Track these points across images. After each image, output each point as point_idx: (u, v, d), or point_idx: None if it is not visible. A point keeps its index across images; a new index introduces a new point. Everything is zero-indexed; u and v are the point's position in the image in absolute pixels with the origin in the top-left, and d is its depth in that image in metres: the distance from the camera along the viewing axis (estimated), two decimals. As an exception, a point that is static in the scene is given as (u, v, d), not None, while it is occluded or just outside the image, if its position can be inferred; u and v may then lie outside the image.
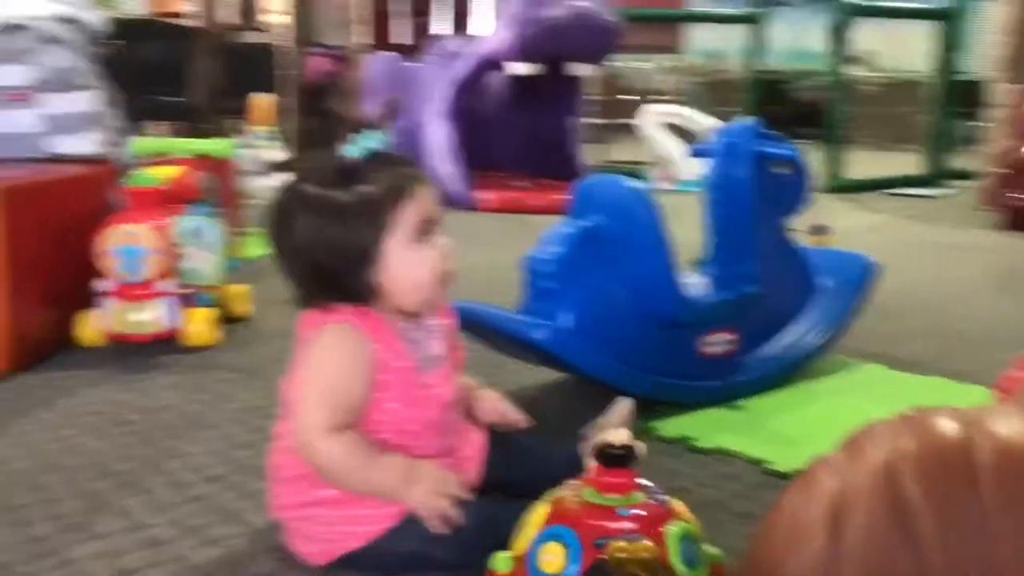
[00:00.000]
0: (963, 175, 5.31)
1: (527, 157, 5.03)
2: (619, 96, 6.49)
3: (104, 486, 1.26)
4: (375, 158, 1.02)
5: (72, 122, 2.00)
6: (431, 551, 1.01)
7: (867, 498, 0.73)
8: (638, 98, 6.36)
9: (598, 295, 1.54)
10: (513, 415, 1.21)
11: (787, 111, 10.05)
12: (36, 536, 1.11)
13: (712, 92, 7.20)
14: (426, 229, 1.02)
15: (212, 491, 1.25)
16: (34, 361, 1.77)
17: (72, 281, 1.87)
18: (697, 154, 1.84)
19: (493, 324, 1.49)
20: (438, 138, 4.60)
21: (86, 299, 1.85)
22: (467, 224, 3.93)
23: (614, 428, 1.01)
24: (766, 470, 1.34)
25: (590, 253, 1.55)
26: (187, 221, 1.91)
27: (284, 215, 1.01)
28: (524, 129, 5.03)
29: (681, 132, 5.21)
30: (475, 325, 1.54)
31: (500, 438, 1.19)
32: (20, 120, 1.96)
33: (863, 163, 5.79)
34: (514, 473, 1.15)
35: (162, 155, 2.12)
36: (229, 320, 2.09)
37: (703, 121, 5.44)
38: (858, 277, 1.86)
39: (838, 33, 5.26)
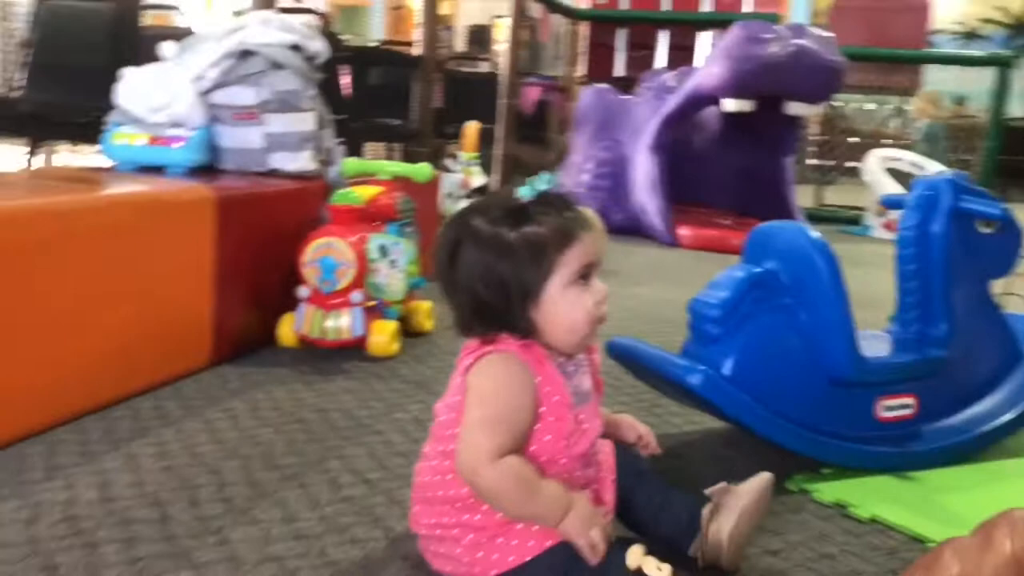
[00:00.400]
0: None
1: (737, 195, 4.93)
2: (843, 137, 6.20)
3: (270, 477, 1.37)
4: (544, 199, 1.06)
5: (290, 141, 2.19)
6: None
7: (992, 592, 0.67)
8: (863, 140, 6.05)
9: (764, 345, 1.49)
10: (650, 439, 1.24)
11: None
12: (205, 515, 1.23)
13: (950, 139, 6.74)
14: (587, 272, 1.05)
15: (363, 493, 1.32)
16: (235, 355, 1.95)
17: (277, 286, 2.05)
18: (889, 205, 1.74)
19: (650, 363, 1.48)
20: (644, 172, 4.60)
21: (289, 304, 2.02)
22: (664, 259, 3.92)
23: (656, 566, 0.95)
24: (927, 549, 1.24)
25: (760, 300, 1.51)
26: (380, 238, 2.03)
27: (452, 247, 1.05)
28: (736, 167, 4.94)
29: (908, 179, 4.92)
30: (634, 362, 1.55)
31: (633, 466, 1.18)
32: (248, 137, 2.17)
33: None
34: (635, 502, 1.15)
35: (367, 175, 2.26)
36: (411, 334, 2.21)
37: (933, 168, 5.11)
38: (1069, 349, 1.68)
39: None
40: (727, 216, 4.76)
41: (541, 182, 1.07)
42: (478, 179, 3.42)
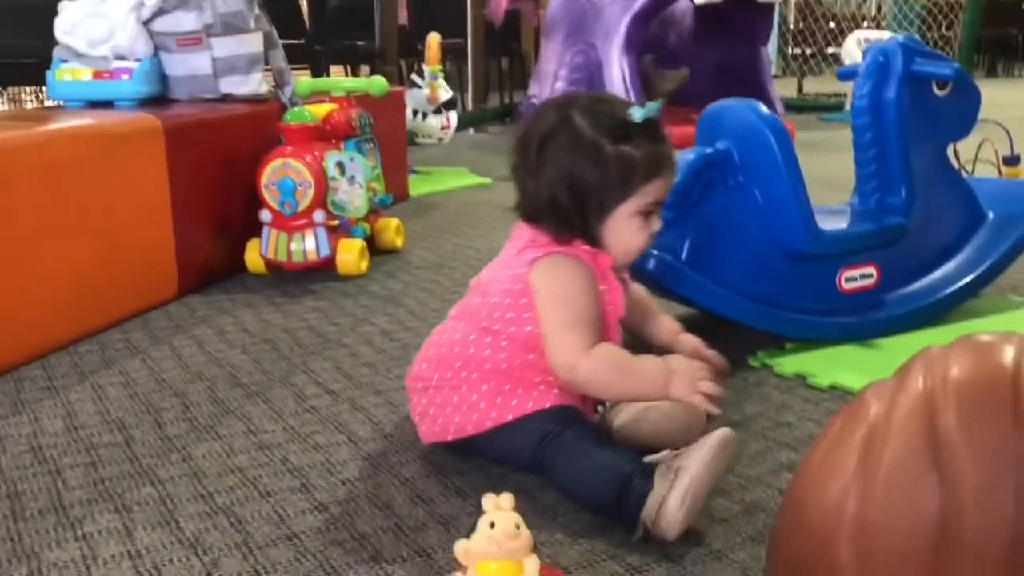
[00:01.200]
0: None
1: (715, 90, 4.79)
2: (821, 23, 6.07)
3: (235, 395, 1.38)
4: (647, 125, 1.08)
5: (239, 64, 2.14)
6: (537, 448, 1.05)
7: (903, 426, 0.68)
8: (841, 24, 5.93)
9: (720, 225, 1.49)
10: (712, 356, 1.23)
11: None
12: (168, 435, 1.24)
13: (924, 18, 6.60)
14: (653, 208, 1.11)
15: (327, 403, 1.34)
16: (202, 284, 1.95)
17: (240, 212, 2.04)
18: (843, 77, 1.71)
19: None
20: (618, 73, 4.52)
21: (254, 229, 2.01)
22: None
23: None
24: (884, 410, 1.26)
25: (714, 180, 1.50)
26: (337, 156, 2.01)
27: (545, 136, 1.08)
28: (712, 62, 4.85)
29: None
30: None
31: None
32: (195, 63, 2.12)
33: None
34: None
35: (322, 93, 2.23)
36: (382, 252, 2.20)
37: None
38: (1032, 209, 1.68)
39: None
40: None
41: (652, 108, 1.09)
42: (444, 93, 3.37)
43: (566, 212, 1.07)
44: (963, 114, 1.63)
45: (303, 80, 2.24)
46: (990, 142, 2.22)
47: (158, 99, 2.12)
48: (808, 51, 5.99)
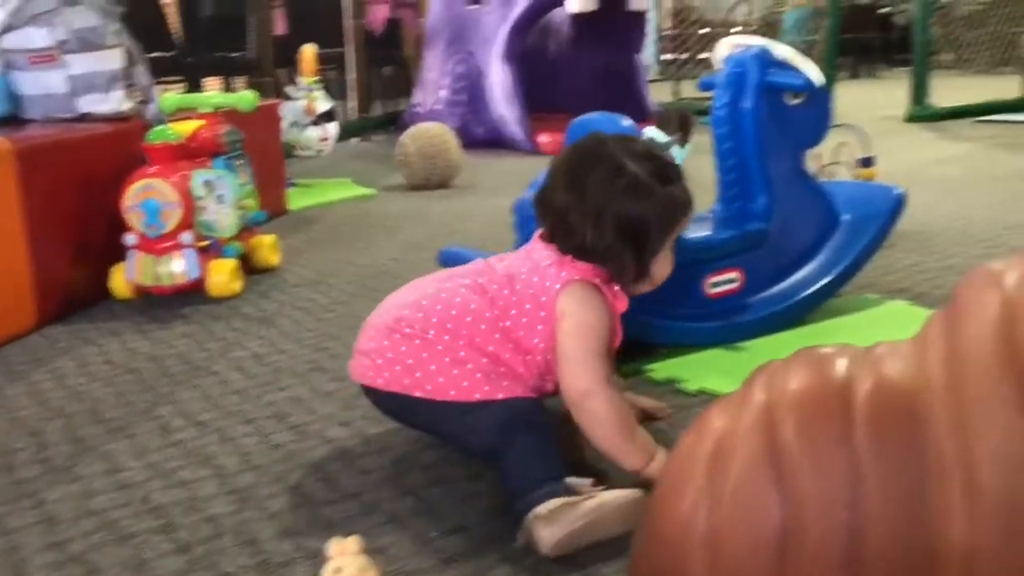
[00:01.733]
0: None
1: (594, 97, 4.89)
2: (694, 29, 6.26)
3: (96, 431, 1.32)
4: (671, 163, 1.19)
5: (98, 81, 2.06)
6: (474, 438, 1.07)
7: (746, 440, 0.70)
8: (713, 30, 6.13)
9: (589, 237, 1.50)
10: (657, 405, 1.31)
11: (884, 37, 9.60)
12: (20, 479, 1.18)
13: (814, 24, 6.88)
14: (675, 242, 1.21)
15: (193, 436, 1.29)
16: (64, 313, 1.86)
17: (103, 236, 1.96)
18: (704, 87, 1.76)
19: (478, 268, 1.48)
20: (499, 82, 4.55)
21: (119, 253, 1.93)
22: (525, 168, 3.88)
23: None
24: (748, 413, 1.30)
25: (582, 194, 1.52)
26: (204, 174, 1.95)
27: (606, 185, 1.10)
28: (590, 69, 4.94)
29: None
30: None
31: None
32: (49, 81, 2.03)
33: (960, 89, 5.48)
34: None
35: (188, 110, 2.16)
36: (257, 271, 2.15)
37: (783, 52, 5.22)
38: (883, 211, 1.76)
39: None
40: (585, 119, 4.77)
41: (687, 150, 1.24)
42: (322, 104, 3.32)
43: (621, 258, 1.11)
44: (816, 122, 1.70)
45: (169, 96, 2.17)
46: (847, 145, 2.32)
47: (10, 119, 2.01)
48: (683, 56, 6.16)
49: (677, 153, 1.29)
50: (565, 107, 4.87)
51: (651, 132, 1.37)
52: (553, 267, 1.11)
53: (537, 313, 1.09)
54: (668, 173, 1.15)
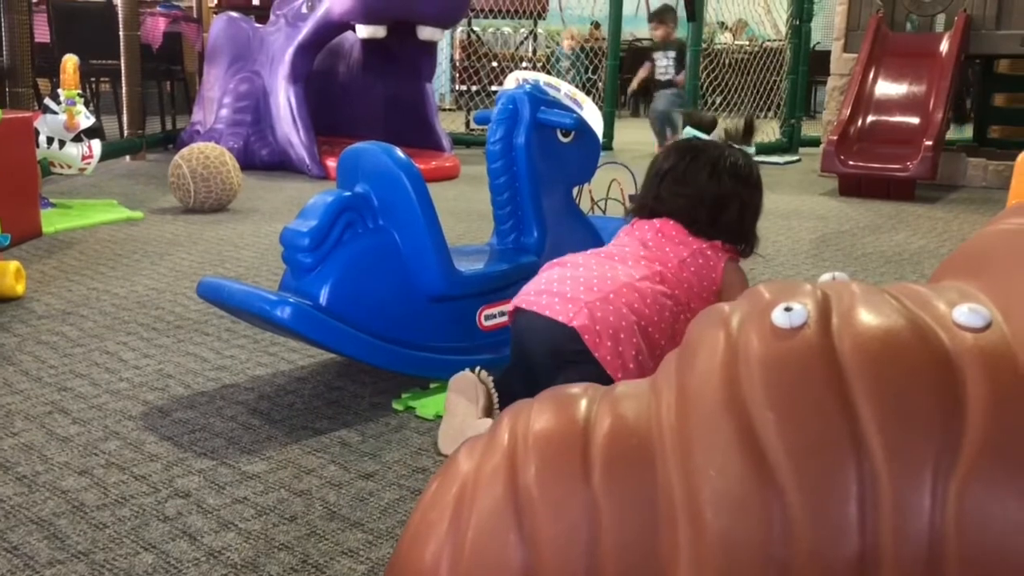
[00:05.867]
0: (815, 142, 5.46)
1: (385, 123, 4.91)
2: (484, 61, 6.39)
3: None
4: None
5: None
6: None
7: (488, 485, 0.69)
8: (502, 63, 6.29)
9: (360, 269, 1.47)
10: None
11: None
12: None
13: (588, 59, 7.20)
14: None
15: None
16: None
17: None
18: (479, 121, 1.78)
19: (240, 301, 1.40)
20: (285, 104, 4.43)
21: None
22: (311, 192, 3.78)
23: None
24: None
25: (353, 224, 1.48)
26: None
27: (724, 178, 1.42)
28: (381, 95, 4.91)
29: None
30: (223, 302, 1.46)
31: None
32: None
33: (721, 131, 5.90)
34: None
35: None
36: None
37: (564, 88, 5.43)
38: (648, 245, 1.84)
39: (692, 1, 5.31)
40: (376, 145, 4.73)
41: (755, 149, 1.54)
42: (85, 119, 3.08)
43: (750, 236, 1.46)
44: (586, 159, 1.76)
45: None
46: (618, 182, 2.42)
47: None
48: (474, 88, 6.26)
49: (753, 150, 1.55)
50: (356, 132, 4.82)
51: (691, 131, 1.58)
52: (709, 250, 1.41)
53: (703, 281, 1.39)
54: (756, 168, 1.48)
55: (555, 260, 1.42)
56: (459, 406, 1.26)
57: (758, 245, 1.49)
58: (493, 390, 1.28)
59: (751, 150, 1.53)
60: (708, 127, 1.59)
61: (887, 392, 0.56)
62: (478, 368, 1.30)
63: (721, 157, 1.44)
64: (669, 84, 5.47)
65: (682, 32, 5.56)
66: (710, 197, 1.42)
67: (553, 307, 1.29)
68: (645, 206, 1.47)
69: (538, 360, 1.31)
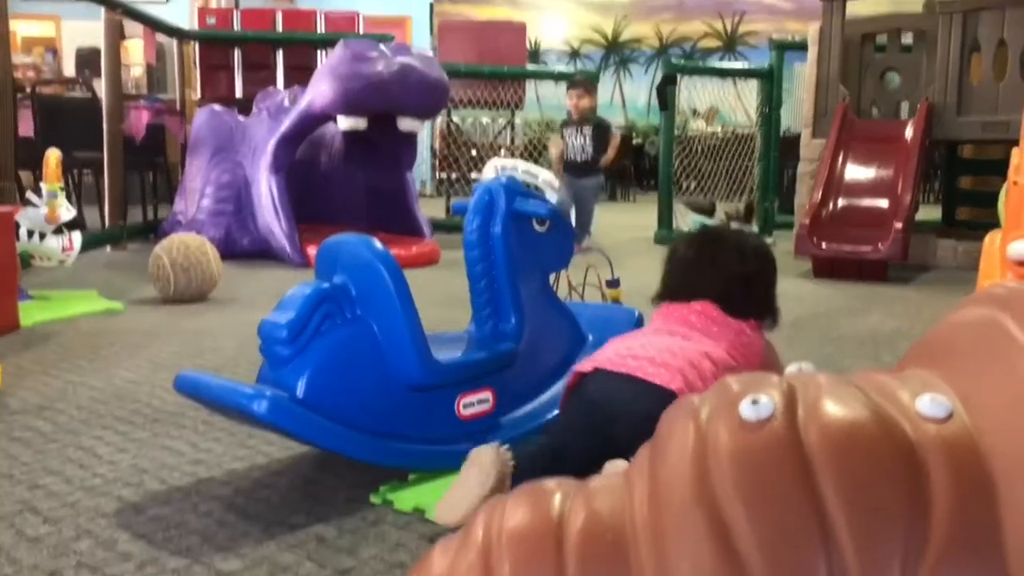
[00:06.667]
0: (788, 225, 5.56)
1: (366, 211, 4.98)
2: (464, 150, 6.52)
3: None
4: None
5: None
6: None
7: (463, 585, 0.68)
8: (480, 152, 6.41)
9: (338, 361, 1.47)
10: None
11: (637, 165, 10.46)
12: None
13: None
14: None
15: None
16: None
17: None
18: (457, 211, 1.81)
19: (217, 396, 1.40)
20: (266, 193, 4.48)
21: None
22: (291, 281, 3.79)
23: None
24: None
25: (331, 315, 1.49)
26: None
27: (751, 259, 1.61)
28: (362, 183, 4.99)
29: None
30: (200, 396, 1.45)
31: None
32: None
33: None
34: None
35: None
36: (-29, 395, 1.93)
37: (542, 175, 5.54)
38: (624, 330, 1.85)
39: (666, 90, 5.47)
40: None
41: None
42: (66, 212, 3.11)
43: (776, 311, 1.64)
44: (561, 247, 1.79)
45: None
46: (594, 268, 2.46)
47: None
48: (454, 175, 6.37)
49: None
50: (337, 220, 4.89)
51: (697, 218, 1.82)
52: (748, 329, 1.55)
53: (744, 354, 1.53)
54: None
55: (616, 338, 1.55)
56: (469, 479, 1.26)
57: (780, 317, 1.65)
58: (510, 468, 1.26)
59: (754, 229, 1.67)
60: (710, 211, 1.83)
61: (854, 485, 0.57)
62: (503, 445, 1.29)
63: (743, 242, 1.62)
64: (587, 167, 4.82)
65: (654, 119, 5.68)
66: (741, 279, 1.57)
67: (645, 370, 1.36)
68: (676, 292, 1.61)
69: (623, 422, 1.31)
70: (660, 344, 1.44)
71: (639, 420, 1.29)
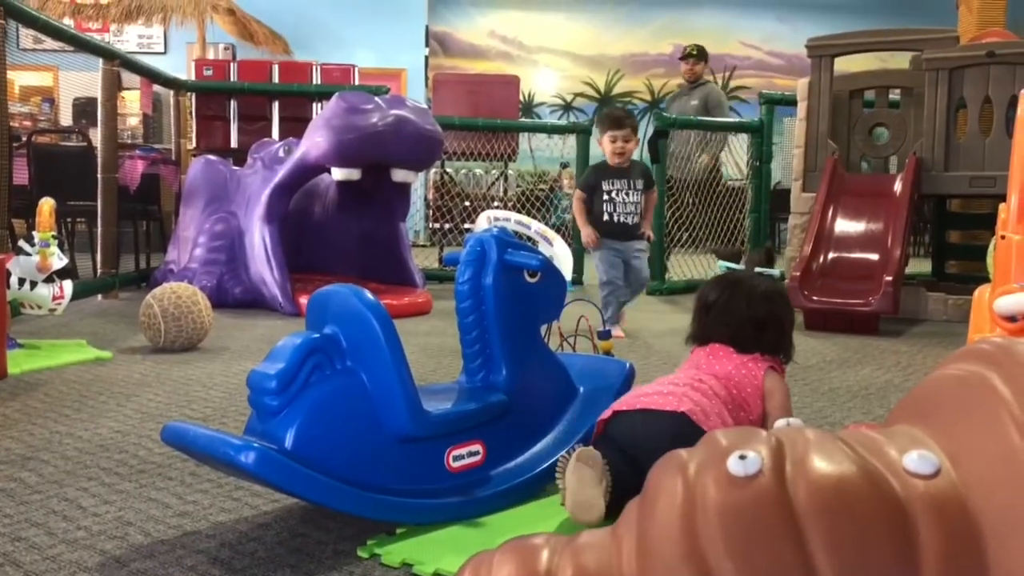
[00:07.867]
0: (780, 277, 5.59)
1: (359, 261, 4.98)
2: (457, 201, 6.56)
3: None
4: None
5: None
6: None
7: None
8: (474, 203, 6.46)
9: (327, 412, 1.46)
10: None
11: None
12: None
13: (551, 200, 7.42)
14: None
15: None
16: None
17: None
18: (448, 262, 1.82)
19: (204, 447, 1.38)
20: (259, 243, 4.49)
21: None
22: (283, 331, 3.78)
23: None
24: (483, 595, 1.27)
25: (321, 366, 1.48)
26: None
27: (759, 305, 1.76)
28: (355, 233, 5.00)
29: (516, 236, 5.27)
30: (187, 447, 1.44)
31: None
32: None
33: (693, 266, 6.05)
34: None
35: None
36: (-45, 445, 1.90)
37: (536, 226, 5.58)
38: (616, 383, 1.85)
39: (657, 144, 5.54)
40: (348, 282, 4.77)
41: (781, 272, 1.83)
42: (58, 260, 3.10)
43: (790, 347, 1.80)
44: (552, 298, 1.79)
45: None
46: (586, 319, 2.46)
47: None
48: (447, 225, 6.40)
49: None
50: (330, 269, 4.90)
51: (724, 264, 1.88)
52: (757, 363, 1.71)
53: (748, 388, 1.68)
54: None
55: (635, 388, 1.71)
56: (584, 479, 1.42)
57: (795, 352, 1.81)
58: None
59: (776, 272, 1.83)
60: (737, 258, 1.91)
61: (843, 541, 0.57)
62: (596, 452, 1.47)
63: (754, 287, 1.77)
64: (636, 228, 3.66)
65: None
66: (751, 323, 1.74)
67: (657, 403, 1.55)
68: (698, 336, 1.82)
69: (652, 450, 1.39)
70: (665, 380, 1.65)
71: (660, 444, 1.36)
